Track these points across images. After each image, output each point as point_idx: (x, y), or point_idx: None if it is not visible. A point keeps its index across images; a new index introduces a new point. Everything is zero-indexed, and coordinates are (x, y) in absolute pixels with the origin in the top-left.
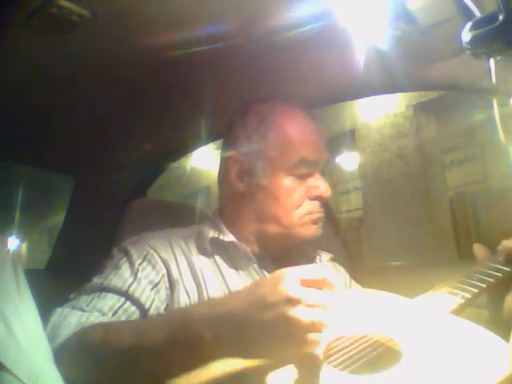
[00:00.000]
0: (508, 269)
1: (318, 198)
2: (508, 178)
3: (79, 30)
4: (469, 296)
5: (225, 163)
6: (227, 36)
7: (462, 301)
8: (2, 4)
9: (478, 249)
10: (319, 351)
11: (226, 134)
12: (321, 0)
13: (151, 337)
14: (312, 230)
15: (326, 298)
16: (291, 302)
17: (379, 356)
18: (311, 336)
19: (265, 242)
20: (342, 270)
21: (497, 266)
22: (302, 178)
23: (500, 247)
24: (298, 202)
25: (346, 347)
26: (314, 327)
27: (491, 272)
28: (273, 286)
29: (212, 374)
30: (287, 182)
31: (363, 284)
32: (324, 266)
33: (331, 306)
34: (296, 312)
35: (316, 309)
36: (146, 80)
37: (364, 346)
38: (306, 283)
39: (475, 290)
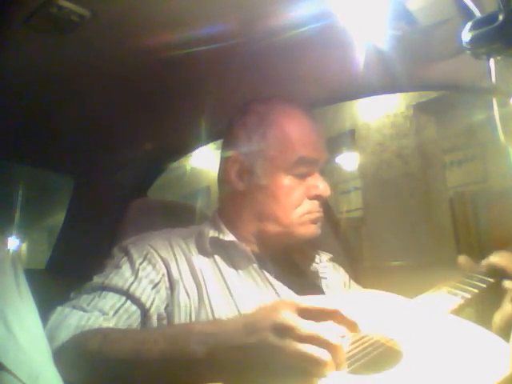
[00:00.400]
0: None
1: (317, 197)
2: (508, 177)
3: (79, 30)
4: (469, 296)
5: (225, 163)
6: (227, 36)
7: (462, 301)
8: (1, 4)
9: (463, 260)
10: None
11: (225, 133)
12: (321, 0)
13: (148, 350)
14: (311, 230)
15: (323, 332)
16: (280, 329)
17: (379, 356)
18: (303, 367)
19: (264, 241)
20: (341, 270)
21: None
22: (302, 177)
23: (483, 262)
24: (298, 202)
25: (346, 347)
26: (305, 359)
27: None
28: (268, 312)
29: None
30: (287, 181)
31: (363, 284)
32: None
33: (330, 340)
34: (281, 340)
35: (309, 342)
36: (147, 80)
37: (364, 346)
38: (313, 314)
39: (475, 291)
